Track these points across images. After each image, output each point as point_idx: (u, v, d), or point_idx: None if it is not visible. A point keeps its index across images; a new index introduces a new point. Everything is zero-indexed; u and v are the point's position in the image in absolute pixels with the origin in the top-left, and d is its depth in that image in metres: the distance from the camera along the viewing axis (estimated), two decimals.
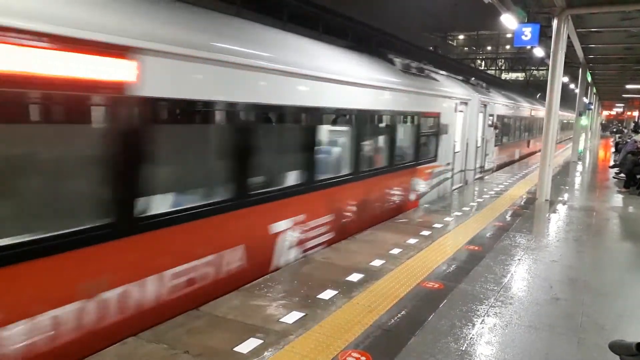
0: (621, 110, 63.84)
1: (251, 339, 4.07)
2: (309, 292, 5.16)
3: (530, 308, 5.16)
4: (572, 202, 12.16)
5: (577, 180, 16.97)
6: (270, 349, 3.93)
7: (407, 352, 4.03)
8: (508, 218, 9.44)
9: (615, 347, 4.06)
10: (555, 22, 11.25)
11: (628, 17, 12.33)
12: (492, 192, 12.31)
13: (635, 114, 52.10)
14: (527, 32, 11.03)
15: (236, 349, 3.91)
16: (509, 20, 11.36)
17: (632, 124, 37.32)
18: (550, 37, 11.53)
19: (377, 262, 6.24)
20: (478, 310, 4.95)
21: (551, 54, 11.38)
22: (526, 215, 9.92)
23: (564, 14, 11.16)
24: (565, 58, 11.76)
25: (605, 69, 23.46)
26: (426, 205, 10.37)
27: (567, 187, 14.49)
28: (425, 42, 40.88)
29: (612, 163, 19.76)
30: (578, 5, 11.15)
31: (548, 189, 11.68)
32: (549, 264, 6.80)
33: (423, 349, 4.10)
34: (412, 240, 7.36)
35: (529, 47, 14.48)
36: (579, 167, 20.34)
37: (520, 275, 6.19)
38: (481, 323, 4.66)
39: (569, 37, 13.45)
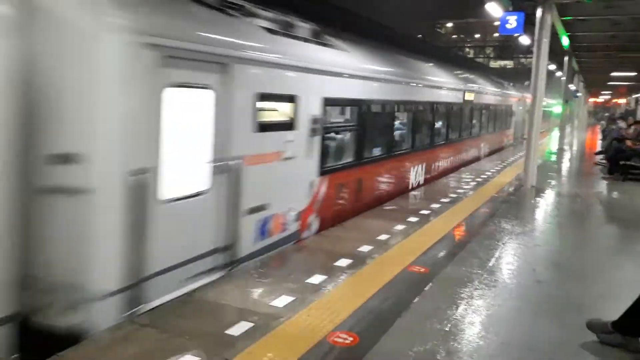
0: (608, 97, 64.42)
1: (242, 322, 4.19)
2: (299, 277, 5.29)
3: (513, 290, 5.33)
4: (558, 188, 12.39)
5: (563, 167, 17.22)
6: (260, 331, 4.05)
7: (393, 332, 4.18)
8: (494, 204, 9.60)
9: (592, 326, 4.28)
10: (539, 11, 11.36)
11: (612, 5, 12.47)
12: (480, 179, 12.49)
13: (622, 101, 52.63)
14: (512, 20, 11.13)
15: (227, 331, 4.02)
16: (494, 8, 11.47)
17: (617, 112, 37.82)
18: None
19: (365, 248, 6.37)
20: (462, 293, 5.09)
21: (535, 42, 11.51)
22: (512, 201, 10.11)
23: (548, 2, 11.27)
24: (551, 46, 11.89)
25: (591, 56, 23.61)
26: (414, 193, 10.53)
27: (553, 174, 14.72)
28: (413, 30, 40.88)
29: (598, 150, 20.04)
30: None
31: (534, 175, 11.86)
32: (533, 248, 6.99)
33: (408, 329, 4.25)
34: (399, 227, 7.50)
35: (516, 35, 14.63)
36: (566, 155, 20.61)
37: (504, 260, 6.36)
38: (465, 305, 4.81)
39: (554, 25, 13.60)
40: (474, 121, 16.70)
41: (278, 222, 6.42)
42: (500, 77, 25.58)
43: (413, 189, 11.18)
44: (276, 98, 6.36)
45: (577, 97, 33.86)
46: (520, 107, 24.41)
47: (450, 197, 10.07)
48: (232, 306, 4.54)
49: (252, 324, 4.16)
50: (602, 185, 13.03)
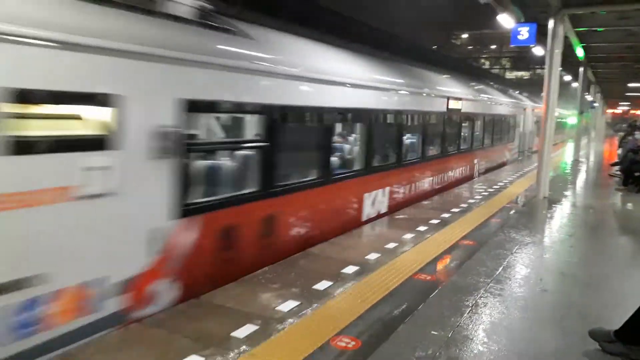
0: (627, 108, 63.77)
1: (247, 325, 4.29)
2: (305, 283, 5.38)
3: (518, 299, 5.36)
4: (570, 199, 12.32)
5: (577, 179, 17.10)
6: (265, 334, 4.15)
7: (395, 337, 4.25)
8: (505, 214, 9.60)
9: (595, 334, 4.31)
10: (551, 22, 11.37)
11: (626, 16, 12.46)
12: (492, 189, 12.48)
13: None
14: (524, 31, 11.19)
15: (233, 334, 4.13)
16: (505, 20, 11.52)
17: (639, 121, 37.32)
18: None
19: (372, 256, 6.44)
20: (467, 301, 5.14)
21: (547, 53, 11.52)
22: (523, 212, 10.10)
23: (560, 13, 11.29)
24: (566, 57, 11.86)
25: (607, 67, 23.52)
26: (425, 202, 10.56)
27: (567, 185, 14.65)
28: (429, 41, 41.07)
29: (615, 161, 19.87)
30: (574, 5, 11.28)
31: (546, 186, 11.83)
32: (541, 258, 6.99)
33: (411, 335, 4.31)
34: (408, 235, 7.55)
35: (532, 45, 14.62)
36: (581, 167, 20.44)
37: (512, 269, 6.37)
38: (469, 313, 4.85)
39: (568, 37, 13.61)
40: (464, 134, 14.48)
41: (70, 302, 4.05)
42: (509, 85, 25.11)
43: (368, 221, 8.75)
44: (62, 98, 4.01)
45: (593, 107, 33.61)
46: (528, 118, 23.07)
47: (461, 207, 10.08)
48: (239, 310, 4.64)
49: (257, 327, 4.26)
50: (616, 197, 12.94)
